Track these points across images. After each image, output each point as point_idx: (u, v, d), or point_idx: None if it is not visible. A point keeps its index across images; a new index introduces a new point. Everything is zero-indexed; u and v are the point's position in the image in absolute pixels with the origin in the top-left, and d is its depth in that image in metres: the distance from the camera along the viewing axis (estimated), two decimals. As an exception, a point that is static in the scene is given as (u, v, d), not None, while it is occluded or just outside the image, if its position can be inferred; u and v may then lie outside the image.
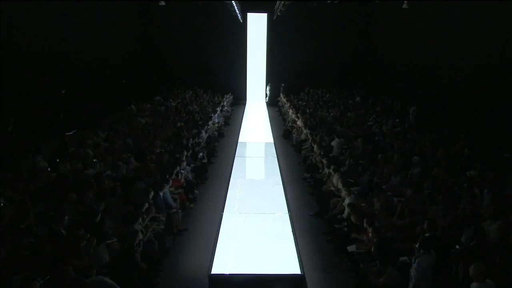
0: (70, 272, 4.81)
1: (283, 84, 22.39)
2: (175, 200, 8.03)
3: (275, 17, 20.98)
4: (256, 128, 17.25)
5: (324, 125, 13.91)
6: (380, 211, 7.07)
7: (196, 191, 9.46)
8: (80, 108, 13.94)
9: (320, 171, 9.92)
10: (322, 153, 10.37)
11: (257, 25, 22.85)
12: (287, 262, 6.34)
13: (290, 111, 17.14)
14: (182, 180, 8.98)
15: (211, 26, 21.93)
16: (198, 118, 15.19)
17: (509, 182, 7.87)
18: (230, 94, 21.98)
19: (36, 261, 4.98)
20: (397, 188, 8.20)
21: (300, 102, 19.35)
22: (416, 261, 5.25)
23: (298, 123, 14.87)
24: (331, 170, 8.99)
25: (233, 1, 15.95)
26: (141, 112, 15.91)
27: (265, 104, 23.08)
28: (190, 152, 10.60)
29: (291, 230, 7.38)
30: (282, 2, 16.75)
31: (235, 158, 12.21)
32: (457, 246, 5.73)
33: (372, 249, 5.80)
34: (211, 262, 6.19)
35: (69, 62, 13.57)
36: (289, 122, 16.58)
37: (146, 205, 6.80)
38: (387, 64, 20.02)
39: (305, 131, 13.24)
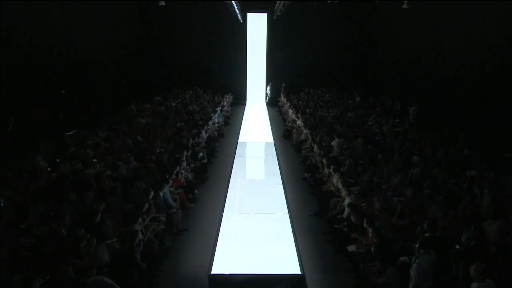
0: (70, 272, 4.82)
1: (284, 84, 22.40)
2: (175, 200, 8.04)
3: (275, 17, 20.98)
4: (256, 128, 17.25)
5: (324, 125, 13.91)
6: (380, 211, 7.06)
7: (196, 191, 9.45)
8: (80, 108, 13.94)
9: (320, 171, 9.92)
10: (322, 153, 10.37)
11: (257, 25, 22.84)
12: (287, 262, 6.34)
13: (290, 111, 17.15)
14: (182, 180, 8.98)
15: (211, 26, 21.92)
16: (198, 118, 15.19)
17: (509, 182, 7.86)
18: (230, 94, 21.98)
19: (36, 261, 4.98)
20: (397, 188, 8.20)
21: (300, 102, 19.35)
22: (416, 261, 5.25)
23: (298, 123, 14.87)
24: (331, 170, 8.99)
25: (233, 1, 15.95)
26: (141, 112, 15.91)
27: (265, 104, 23.09)
28: (190, 152, 10.60)
29: (291, 230, 7.38)
30: (282, 2, 16.75)
31: (235, 158, 12.21)
32: (457, 246, 5.73)
33: (372, 249, 5.80)
34: (211, 262, 6.19)
35: (69, 62, 13.56)
36: (289, 122, 16.58)
37: (146, 205, 6.80)
38: (387, 64, 20.03)
39: (305, 131, 13.24)
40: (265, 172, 11.92)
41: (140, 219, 6.35)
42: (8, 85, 10.08)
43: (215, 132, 14.74)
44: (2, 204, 6.35)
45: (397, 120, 14.56)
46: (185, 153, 9.97)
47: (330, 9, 20.45)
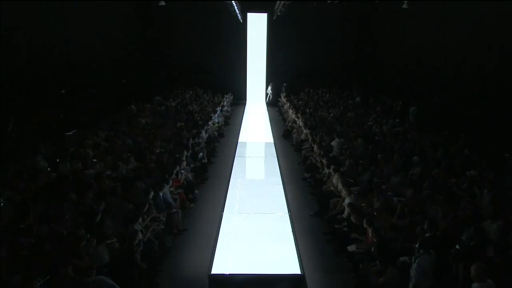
0: (70, 272, 4.82)
1: (285, 84, 22.41)
2: (175, 200, 8.04)
3: (275, 17, 20.99)
4: (256, 128, 17.25)
5: (324, 125, 13.91)
6: (380, 211, 7.06)
7: (196, 191, 9.45)
8: (80, 108, 13.94)
9: (320, 171, 9.92)
10: (322, 153, 10.37)
11: (257, 25, 22.84)
12: (287, 262, 6.34)
13: (290, 111, 17.15)
14: (182, 180, 8.98)
15: (211, 26, 21.93)
16: (198, 118, 15.19)
17: (509, 182, 7.86)
18: (230, 94, 21.98)
19: (36, 261, 4.98)
20: (397, 188, 8.20)
21: (300, 102, 19.35)
22: (416, 261, 5.25)
23: (298, 123, 14.87)
24: (331, 170, 8.99)
25: (233, 1, 15.95)
26: (141, 112, 15.91)
27: (265, 104, 23.09)
28: (190, 152, 10.60)
29: (291, 230, 7.37)
30: (282, 2, 16.76)
31: (235, 158, 12.21)
32: (457, 246, 5.73)
33: (372, 249, 5.81)
34: (211, 262, 6.19)
35: (69, 62, 13.57)
36: (289, 122, 16.58)
37: (146, 205, 6.80)
38: (387, 64, 20.03)
39: (305, 131, 13.24)
40: (265, 172, 11.92)
41: (140, 219, 6.35)
42: (8, 85, 10.08)
43: (215, 132, 14.74)
44: (2, 204, 6.35)
45: (397, 120, 14.57)
46: (185, 153, 9.97)
47: (330, 9, 20.46)
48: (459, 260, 5.49)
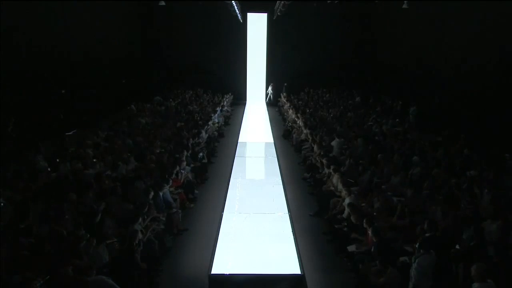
0: (70, 272, 4.81)
1: (285, 84, 22.42)
2: (175, 200, 8.04)
3: (275, 17, 20.99)
4: (256, 128, 17.25)
5: (324, 125, 13.91)
6: (380, 211, 7.06)
7: (196, 191, 9.45)
8: (80, 108, 13.95)
9: (320, 171, 9.91)
10: (322, 153, 10.36)
11: (257, 25, 22.85)
12: (287, 262, 6.33)
13: (290, 111, 17.15)
14: (182, 180, 8.98)
15: (211, 26, 21.94)
16: (198, 118, 15.19)
17: (509, 182, 7.86)
18: (230, 94, 21.98)
19: (36, 261, 4.98)
20: (397, 188, 8.20)
21: (300, 102, 19.35)
22: (416, 261, 5.25)
23: (298, 123, 14.87)
24: (331, 170, 8.99)
25: (233, 1, 15.95)
26: (141, 112, 15.91)
27: (265, 104, 23.09)
28: (190, 152, 10.60)
29: (291, 230, 7.37)
30: (282, 2, 16.76)
31: (235, 158, 12.20)
32: (457, 246, 5.73)
33: (372, 249, 5.80)
34: (211, 262, 6.19)
35: (69, 62, 13.58)
36: (289, 122, 16.58)
37: (147, 206, 6.80)
38: (387, 64, 20.04)
39: (305, 131, 13.24)
40: (265, 172, 11.92)
41: (140, 219, 6.35)
42: (8, 85, 10.09)
43: (215, 132, 14.74)
44: (2, 204, 6.35)
45: (397, 120, 14.57)
46: (185, 153, 9.97)
47: (330, 9, 20.46)
48: (459, 260, 5.49)
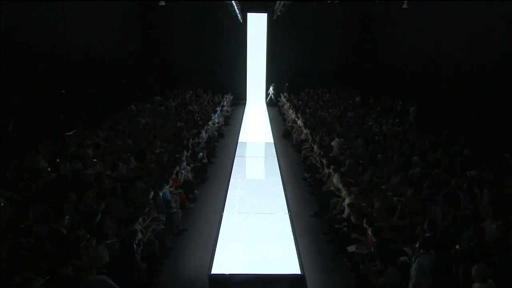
0: (70, 272, 4.81)
1: (286, 84, 22.42)
2: (175, 200, 8.04)
3: (275, 17, 20.99)
4: (256, 128, 17.25)
5: (324, 125, 13.91)
6: (380, 211, 7.06)
7: (196, 191, 9.45)
8: (80, 108, 13.95)
9: (320, 171, 9.91)
10: (322, 153, 10.37)
11: (257, 25, 22.86)
12: (287, 262, 6.34)
13: (290, 111, 17.15)
14: (182, 180, 8.98)
15: (211, 26, 21.93)
16: (198, 118, 15.19)
17: (509, 182, 7.86)
18: (230, 94, 21.98)
19: (36, 261, 4.98)
20: (397, 188, 8.20)
21: (300, 102, 19.35)
22: (416, 261, 5.25)
23: (298, 123, 14.87)
24: (331, 170, 8.99)
25: (233, 1, 15.96)
26: (141, 112, 15.91)
27: (265, 104, 23.09)
28: (190, 152, 10.60)
29: (291, 230, 7.38)
30: (282, 2, 16.76)
31: (235, 158, 12.21)
32: (457, 246, 5.73)
33: (372, 249, 5.80)
34: (211, 262, 6.19)
35: (69, 62, 13.58)
36: (289, 122, 16.58)
37: (147, 206, 6.80)
38: (387, 64, 20.04)
39: (305, 131, 13.24)
40: (265, 172, 11.92)
41: (140, 219, 6.34)
42: (8, 85, 10.09)
43: (215, 132, 14.74)
44: (2, 204, 6.35)
45: (397, 120, 14.56)
46: (185, 153, 9.96)
47: (330, 9, 20.47)
48: (459, 260, 5.49)
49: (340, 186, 8.01)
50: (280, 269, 6.20)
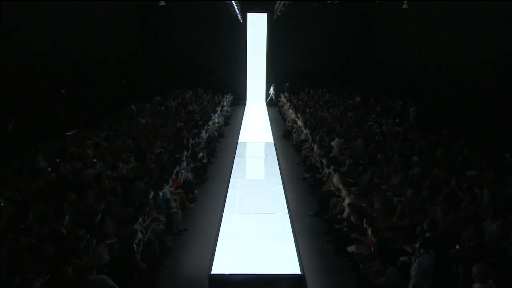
0: (70, 272, 4.81)
1: (287, 84, 22.41)
2: (175, 200, 8.04)
3: (275, 17, 20.99)
4: (256, 128, 17.25)
5: (324, 125, 13.91)
6: (380, 211, 7.06)
7: (196, 191, 9.45)
8: (80, 108, 13.95)
9: (320, 171, 9.92)
10: (322, 153, 10.37)
11: (257, 25, 22.85)
12: (287, 262, 6.34)
13: (290, 111, 17.15)
14: (182, 180, 8.98)
15: (211, 26, 21.93)
16: (198, 118, 15.19)
17: (509, 182, 7.86)
18: (230, 94, 21.98)
19: (36, 261, 4.98)
20: (397, 188, 8.20)
21: (300, 102, 19.35)
22: (416, 261, 5.25)
23: (298, 123, 14.87)
24: (331, 170, 8.99)
25: (233, 1, 15.95)
26: (141, 112, 15.91)
27: (265, 104, 23.09)
28: (190, 152, 10.60)
29: (291, 230, 7.37)
30: (282, 2, 16.76)
31: (235, 158, 12.20)
32: (457, 246, 5.73)
33: (372, 249, 5.80)
34: (211, 262, 6.19)
35: (69, 62, 13.57)
36: (289, 122, 16.58)
37: (147, 206, 6.80)
38: (387, 64, 20.04)
39: (305, 131, 13.24)
40: (265, 172, 11.92)
41: (140, 219, 6.35)
42: (8, 85, 10.09)
43: (215, 132, 14.74)
44: (2, 204, 6.35)
45: (397, 120, 14.56)
46: (185, 153, 9.97)
47: (330, 9, 20.46)
48: (459, 260, 5.49)
49: (340, 186, 8.01)
50: (280, 269, 6.19)
